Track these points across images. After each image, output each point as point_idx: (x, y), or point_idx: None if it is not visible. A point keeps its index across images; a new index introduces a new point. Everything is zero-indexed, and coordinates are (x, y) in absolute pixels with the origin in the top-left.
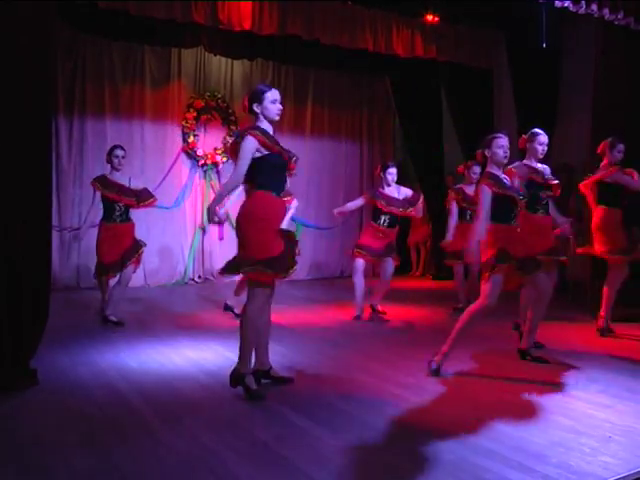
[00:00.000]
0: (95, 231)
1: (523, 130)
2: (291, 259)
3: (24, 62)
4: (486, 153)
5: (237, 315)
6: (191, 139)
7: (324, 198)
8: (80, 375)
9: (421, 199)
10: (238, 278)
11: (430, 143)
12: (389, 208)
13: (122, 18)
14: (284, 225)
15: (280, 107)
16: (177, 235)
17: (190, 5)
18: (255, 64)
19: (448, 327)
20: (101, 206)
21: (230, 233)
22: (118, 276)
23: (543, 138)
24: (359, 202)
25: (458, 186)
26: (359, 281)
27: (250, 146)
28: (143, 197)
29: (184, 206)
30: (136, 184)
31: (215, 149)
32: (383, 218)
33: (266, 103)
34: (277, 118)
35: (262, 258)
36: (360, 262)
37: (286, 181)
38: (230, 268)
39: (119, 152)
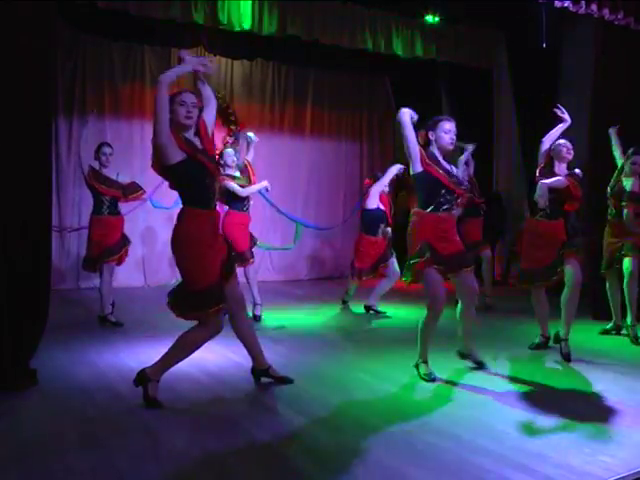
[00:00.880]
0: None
1: (523, 130)
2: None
3: (24, 62)
4: (430, 136)
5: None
6: None
7: (324, 198)
8: (80, 375)
9: None
10: None
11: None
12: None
13: (122, 18)
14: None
15: (190, 110)
16: None
17: (190, 5)
18: (255, 64)
19: (448, 327)
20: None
21: None
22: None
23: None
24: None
25: None
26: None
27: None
28: (130, 190)
29: None
30: (123, 179)
31: (215, 149)
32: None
33: (175, 106)
34: (186, 122)
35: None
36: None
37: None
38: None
39: (107, 149)
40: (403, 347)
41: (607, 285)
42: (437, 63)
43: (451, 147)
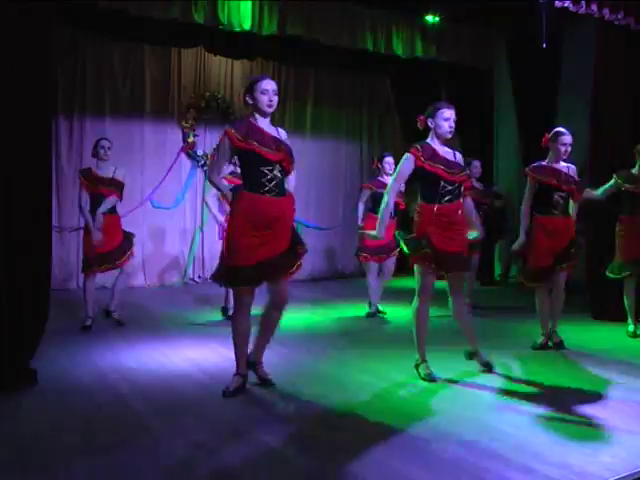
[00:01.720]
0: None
1: (523, 130)
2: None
3: (24, 62)
4: (429, 123)
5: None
6: (191, 139)
7: (324, 198)
8: (80, 375)
9: None
10: None
11: None
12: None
13: (122, 18)
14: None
15: (271, 98)
16: (177, 235)
17: (190, 5)
18: (255, 64)
19: (449, 326)
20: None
21: None
22: (118, 270)
23: (566, 138)
24: (366, 195)
25: None
26: (373, 281)
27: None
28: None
29: (184, 206)
30: (122, 173)
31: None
32: None
33: (256, 94)
34: (269, 110)
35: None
36: (372, 264)
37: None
38: None
39: (105, 143)
40: (403, 347)
41: (627, 287)
42: (437, 63)
43: (449, 135)
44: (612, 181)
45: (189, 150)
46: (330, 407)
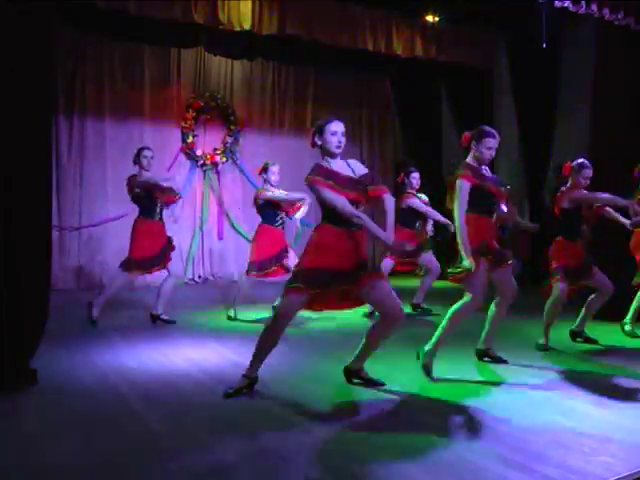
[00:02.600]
0: (94, 230)
1: (523, 130)
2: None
3: (24, 62)
4: (472, 145)
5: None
6: (190, 139)
7: None
8: (80, 375)
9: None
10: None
11: (430, 143)
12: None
13: (122, 18)
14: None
15: (340, 139)
16: (176, 235)
17: (190, 5)
18: (255, 64)
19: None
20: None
21: (230, 233)
22: (166, 272)
23: (589, 172)
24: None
25: None
26: None
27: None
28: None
29: (183, 206)
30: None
31: (214, 149)
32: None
33: (326, 135)
34: (337, 151)
35: None
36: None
37: None
38: None
39: (147, 153)
40: (403, 347)
41: None
42: (437, 63)
43: (487, 162)
44: None
45: (188, 150)
46: (330, 407)
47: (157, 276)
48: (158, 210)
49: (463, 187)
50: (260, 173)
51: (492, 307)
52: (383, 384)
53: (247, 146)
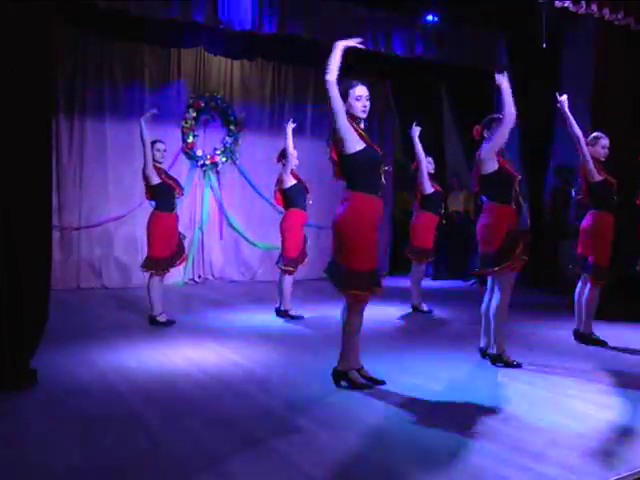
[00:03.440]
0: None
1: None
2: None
3: (24, 62)
4: (485, 134)
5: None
6: (190, 139)
7: (324, 198)
8: (80, 375)
9: None
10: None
11: (430, 143)
12: None
13: (122, 18)
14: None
15: (365, 104)
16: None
17: (190, 5)
18: (255, 64)
19: (448, 326)
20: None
21: (230, 233)
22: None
23: (605, 141)
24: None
25: None
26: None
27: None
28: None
29: (183, 206)
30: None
31: (215, 149)
32: None
33: (350, 100)
34: (363, 115)
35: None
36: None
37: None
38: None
39: (160, 146)
40: (403, 347)
41: None
42: (437, 63)
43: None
44: None
45: (188, 150)
46: (330, 407)
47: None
48: (176, 203)
49: None
50: (279, 160)
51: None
52: (383, 382)
53: (246, 146)
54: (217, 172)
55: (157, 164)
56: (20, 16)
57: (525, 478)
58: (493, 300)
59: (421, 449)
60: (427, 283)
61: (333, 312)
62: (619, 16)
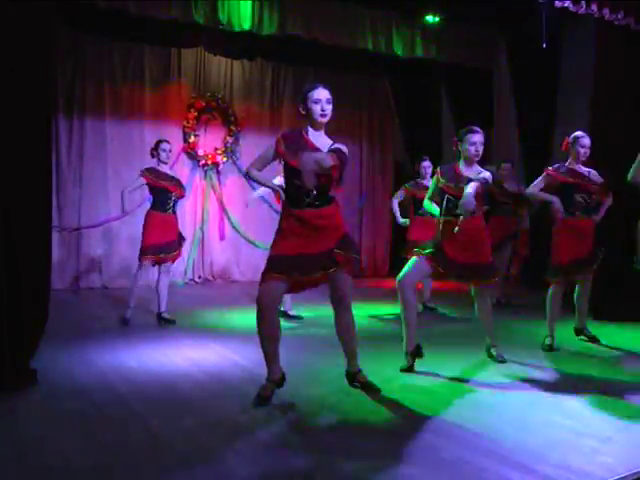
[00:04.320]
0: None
1: (523, 130)
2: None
3: (24, 62)
4: (460, 147)
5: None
6: (192, 139)
7: None
8: (80, 375)
9: None
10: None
11: (430, 143)
12: None
13: (122, 18)
14: None
15: (324, 107)
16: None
17: (190, 5)
18: (255, 64)
19: (448, 326)
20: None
21: (231, 233)
22: (158, 272)
23: (585, 141)
24: (401, 195)
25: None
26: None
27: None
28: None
29: (184, 206)
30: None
31: (215, 149)
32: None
33: (309, 104)
34: (321, 119)
35: None
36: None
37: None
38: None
39: (166, 146)
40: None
41: None
42: (437, 63)
43: (477, 158)
44: None
45: (189, 150)
46: (330, 407)
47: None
48: (171, 204)
49: None
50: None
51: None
52: (379, 390)
53: (246, 146)
54: (218, 172)
55: (162, 164)
56: (20, 16)
57: (525, 478)
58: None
59: (421, 449)
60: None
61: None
62: (619, 16)
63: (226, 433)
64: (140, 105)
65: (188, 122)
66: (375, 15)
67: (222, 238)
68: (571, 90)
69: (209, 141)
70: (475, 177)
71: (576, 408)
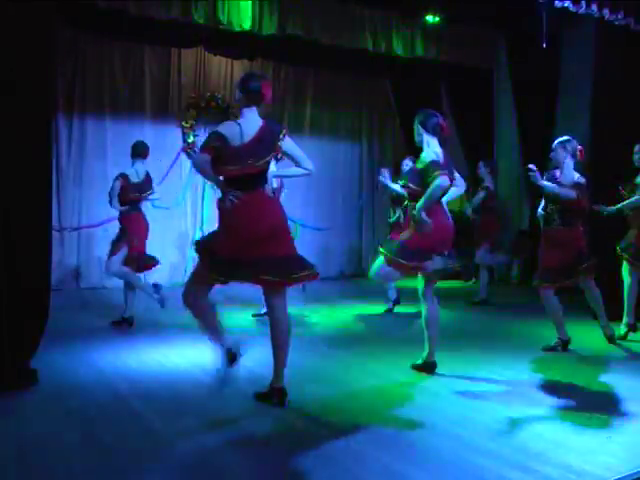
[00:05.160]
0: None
1: (523, 130)
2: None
3: (24, 62)
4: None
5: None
6: (191, 139)
7: (323, 198)
8: (80, 375)
9: None
10: None
11: None
12: None
13: (122, 18)
14: None
15: None
16: (177, 235)
17: (190, 5)
18: (255, 64)
19: (449, 326)
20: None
21: None
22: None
23: (574, 144)
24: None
25: None
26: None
27: None
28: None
29: (184, 206)
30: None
31: None
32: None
33: None
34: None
35: None
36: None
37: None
38: None
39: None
40: (403, 347)
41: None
42: (437, 63)
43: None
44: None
45: (189, 150)
46: (330, 407)
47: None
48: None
49: None
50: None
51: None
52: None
53: None
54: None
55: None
56: (20, 16)
57: (525, 478)
58: None
59: (421, 449)
60: None
61: (332, 312)
62: (619, 16)
63: (226, 433)
64: (140, 105)
65: (187, 122)
66: (375, 15)
67: None
68: (571, 90)
69: None
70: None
71: (576, 408)
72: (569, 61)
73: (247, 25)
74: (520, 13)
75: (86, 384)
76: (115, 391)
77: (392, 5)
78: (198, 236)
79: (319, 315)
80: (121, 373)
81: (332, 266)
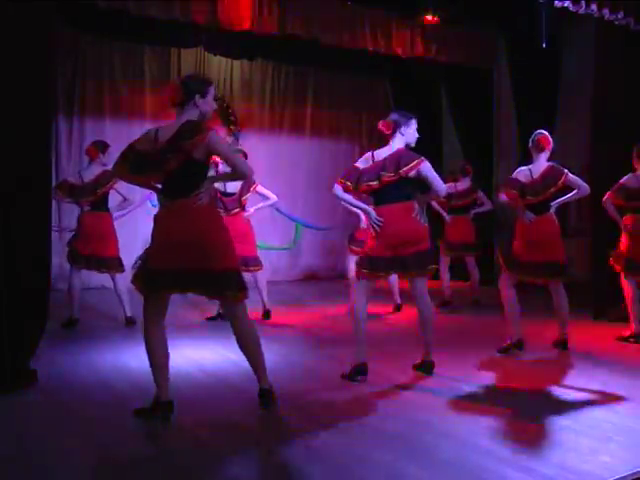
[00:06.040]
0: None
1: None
2: None
3: (24, 62)
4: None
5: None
6: None
7: (323, 198)
8: (80, 375)
9: None
10: None
11: (430, 143)
12: None
13: (122, 18)
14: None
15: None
16: None
17: (190, 5)
18: (255, 64)
19: (448, 325)
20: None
21: None
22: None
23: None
24: None
25: None
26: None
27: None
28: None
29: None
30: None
31: None
32: None
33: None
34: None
35: None
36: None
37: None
38: None
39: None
40: (403, 347)
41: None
42: (437, 63)
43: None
44: None
45: None
46: (330, 407)
47: None
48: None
49: None
50: None
51: None
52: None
53: (246, 146)
54: (217, 172)
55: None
56: (20, 16)
57: (525, 478)
58: None
59: (421, 449)
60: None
61: (332, 312)
62: (619, 16)
63: (226, 433)
64: (140, 105)
65: None
66: (375, 15)
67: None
68: (571, 90)
69: None
70: None
71: (576, 408)
72: (569, 61)
73: (247, 25)
74: (520, 13)
75: (86, 384)
76: (115, 391)
77: (392, 5)
78: None
79: (318, 315)
80: (121, 373)
81: (332, 266)
